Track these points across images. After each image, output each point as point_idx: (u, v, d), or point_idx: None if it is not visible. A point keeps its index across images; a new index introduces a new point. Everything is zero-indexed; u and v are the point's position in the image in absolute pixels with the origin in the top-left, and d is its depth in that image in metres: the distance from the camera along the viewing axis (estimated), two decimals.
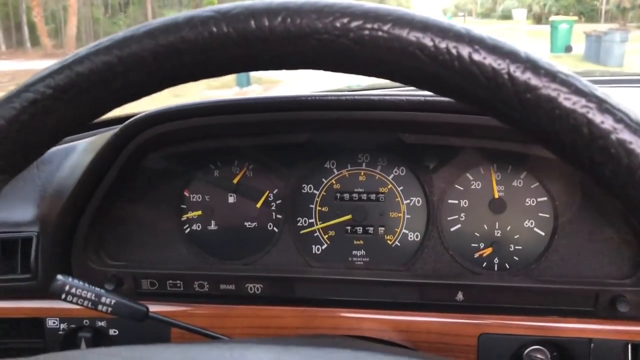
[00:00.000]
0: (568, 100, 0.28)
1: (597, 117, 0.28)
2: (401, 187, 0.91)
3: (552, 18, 14.68)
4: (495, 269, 0.88)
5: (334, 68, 0.33)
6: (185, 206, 0.95)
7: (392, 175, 0.92)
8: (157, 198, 0.95)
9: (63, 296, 0.69)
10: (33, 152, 0.36)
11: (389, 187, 0.92)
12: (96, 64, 0.33)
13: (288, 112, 0.85)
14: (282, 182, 0.93)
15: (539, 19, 36.39)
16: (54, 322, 0.92)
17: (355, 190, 0.92)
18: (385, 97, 0.80)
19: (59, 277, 0.70)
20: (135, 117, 0.84)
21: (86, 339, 0.90)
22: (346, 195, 0.93)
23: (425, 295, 0.86)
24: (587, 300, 0.81)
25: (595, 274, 0.84)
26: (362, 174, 0.92)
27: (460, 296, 0.85)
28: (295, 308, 0.88)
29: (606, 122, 0.28)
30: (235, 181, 0.94)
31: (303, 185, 0.93)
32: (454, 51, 0.29)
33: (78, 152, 0.95)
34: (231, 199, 0.95)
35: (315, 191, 0.93)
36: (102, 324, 0.91)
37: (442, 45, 0.30)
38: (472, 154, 0.88)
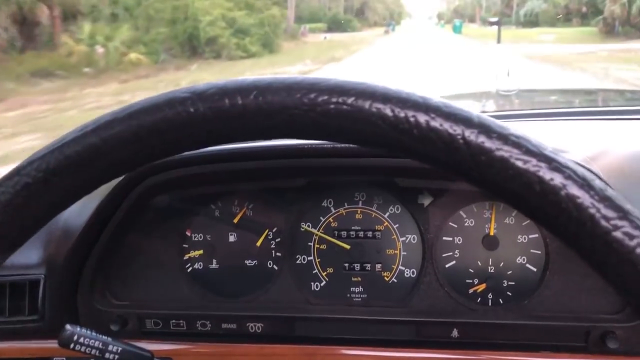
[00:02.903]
0: (520, 161, 0.31)
1: (547, 175, 0.30)
2: (397, 225, 0.94)
3: None
4: (489, 304, 0.91)
5: (306, 137, 0.36)
6: (187, 245, 0.98)
7: (387, 214, 0.94)
8: (160, 238, 0.98)
9: (72, 346, 0.71)
10: (29, 230, 0.38)
11: (385, 224, 0.94)
12: (82, 146, 0.35)
13: (286, 160, 0.88)
14: (281, 221, 0.96)
15: (611, 27, 22.95)
16: None
17: (353, 228, 0.95)
18: None
19: (68, 327, 0.72)
20: None
21: None
22: (344, 233, 0.95)
23: (421, 332, 0.89)
24: (579, 336, 0.84)
25: (587, 309, 0.86)
26: (359, 212, 0.95)
27: (455, 333, 0.87)
28: (296, 346, 0.90)
29: (556, 180, 0.30)
30: (235, 221, 0.97)
31: (301, 224, 0.96)
32: (412, 120, 0.32)
33: None
34: (232, 238, 0.98)
35: (313, 229, 0.96)
36: None
37: (402, 114, 0.32)
38: (465, 192, 0.91)
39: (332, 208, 0.96)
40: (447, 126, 0.31)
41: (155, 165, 0.87)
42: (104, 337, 0.73)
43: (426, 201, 0.93)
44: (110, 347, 0.72)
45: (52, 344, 0.94)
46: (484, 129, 0.31)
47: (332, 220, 0.96)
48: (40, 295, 0.92)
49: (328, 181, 0.95)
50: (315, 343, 0.90)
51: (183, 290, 0.97)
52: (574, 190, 0.30)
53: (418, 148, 0.33)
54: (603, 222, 0.30)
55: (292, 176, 0.93)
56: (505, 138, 0.31)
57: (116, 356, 0.72)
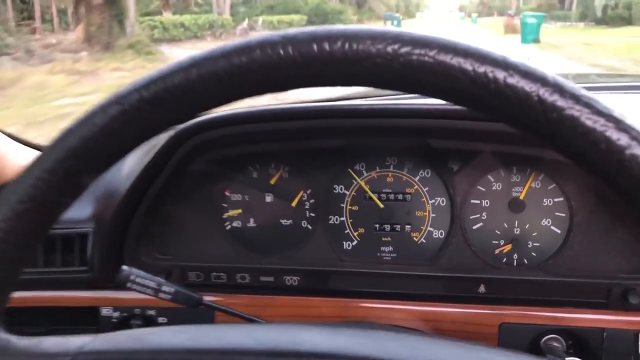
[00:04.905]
0: (589, 120, 0.33)
1: (614, 135, 0.33)
2: (427, 188, 0.98)
3: None
4: (515, 264, 0.95)
5: (385, 86, 0.39)
6: (226, 205, 1.03)
7: (418, 177, 0.99)
8: (201, 198, 1.03)
9: (129, 284, 0.77)
10: (117, 155, 0.42)
11: (415, 188, 0.99)
12: (179, 80, 0.38)
13: (324, 120, 0.92)
14: (315, 183, 1.01)
15: None
16: (107, 311, 1.00)
17: (384, 190, 1.00)
18: (416, 106, 0.87)
19: (124, 267, 0.78)
20: (186, 123, 0.92)
21: (137, 326, 0.99)
22: (375, 196, 1.00)
23: (449, 288, 0.94)
24: (600, 292, 0.88)
25: (608, 268, 0.90)
26: (390, 175, 1.00)
27: (482, 289, 0.92)
28: (329, 299, 0.96)
29: (622, 140, 0.32)
30: (272, 182, 1.02)
31: (335, 186, 1.01)
32: (491, 75, 0.34)
33: (130, 155, 1.03)
34: (268, 199, 1.03)
35: (345, 191, 1.01)
36: (152, 312, 0.99)
37: (481, 69, 0.35)
38: (494, 157, 0.95)
39: (364, 171, 1.00)
40: (524, 83, 0.34)
41: (199, 125, 0.92)
42: (158, 277, 0.78)
43: (456, 165, 0.97)
44: (164, 288, 0.78)
45: (100, 293, 1.01)
46: (559, 88, 0.34)
47: (364, 183, 1.00)
48: (90, 248, 0.98)
49: (362, 145, 0.99)
50: (347, 296, 0.95)
51: (223, 247, 1.02)
52: (638, 150, 0.32)
53: (493, 103, 0.35)
54: None
55: (329, 136, 0.97)
56: (577, 98, 0.33)
57: (169, 296, 0.78)
